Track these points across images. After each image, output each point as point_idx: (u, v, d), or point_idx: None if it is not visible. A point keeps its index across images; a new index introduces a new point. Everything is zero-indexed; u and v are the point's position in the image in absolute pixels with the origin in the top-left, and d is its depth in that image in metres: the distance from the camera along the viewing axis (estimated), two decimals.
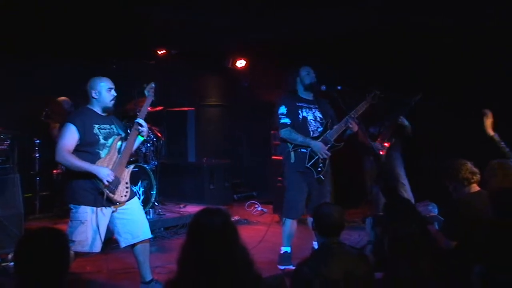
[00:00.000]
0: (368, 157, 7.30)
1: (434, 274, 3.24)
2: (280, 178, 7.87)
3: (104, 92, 4.70)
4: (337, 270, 3.26)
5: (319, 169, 5.61)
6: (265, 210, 8.70)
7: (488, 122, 5.38)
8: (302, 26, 7.57)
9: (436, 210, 6.05)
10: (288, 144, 5.62)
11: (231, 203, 8.90)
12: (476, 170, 4.53)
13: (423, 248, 3.27)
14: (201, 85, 10.21)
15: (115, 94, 4.76)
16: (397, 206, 3.72)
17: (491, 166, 4.62)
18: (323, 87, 5.67)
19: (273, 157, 8.38)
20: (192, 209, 7.78)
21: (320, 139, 5.62)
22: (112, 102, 4.76)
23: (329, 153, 5.59)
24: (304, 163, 5.57)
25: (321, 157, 5.54)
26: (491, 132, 5.30)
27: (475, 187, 4.54)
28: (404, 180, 7.18)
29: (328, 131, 5.65)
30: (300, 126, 5.64)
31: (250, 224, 7.94)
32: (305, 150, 5.58)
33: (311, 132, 5.67)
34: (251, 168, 10.38)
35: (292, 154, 5.59)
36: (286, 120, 5.61)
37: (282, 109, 5.64)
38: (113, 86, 4.76)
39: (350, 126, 5.57)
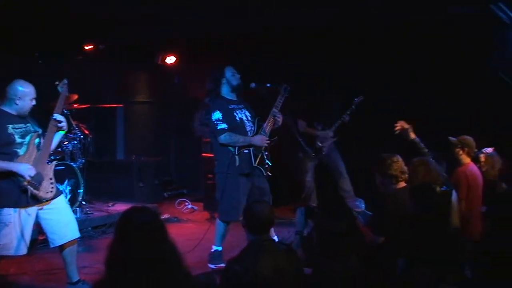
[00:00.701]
0: (299, 153, 7.49)
1: (362, 269, 3.30)
2: (210, 176, 7.83)
3: (27, 101, 4.65)
4: (268, 267, 3.28)
5: (266, 166, 5.66)
6: (195, 207, 8.65)
7: (407, 127, 5.56)
8: (232, 20, 7.52)
9: (363, 205, 6.22)
10: (230, 148, 5.55)
11: (161, 201, 8.81)
12: (406, 169, 4.65)
13: (351, 243, 3.34)
14: (130, 81, 10.01)
15: (34, 104, 4.71)
16: (329, 201, 3.76)
17: (413, 163, 4.78)
18: (253, 85, 5.69)
19: (204, 154, 8.34)
20: (121, 207, 7.66)
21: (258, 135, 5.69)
22: (29, 111, 4.72)
23: (269, 142, 5.64)
24: (250, 164, 5.56)
25: (264, 146, 5.57)
26: (412, 135, 5.49)
27: (402, 184, 4.67)
28: (344, 170, 7.58)
29: (262, 128, 5.67)
30: (239, 128, 5.62)
31: (180, 222, 7.89)
32: (247, 151, 5.57)
33: (248, 133, 5.68)
34: (182, 165, 10.28)
35: (237, 157, 5.54)
36: (224, 126, 5.55)
37: (217, 115, 5.56)
38: (35, 96, 4.70)
39: (278, 119, 5.63)
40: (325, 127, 7.57)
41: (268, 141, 5.64)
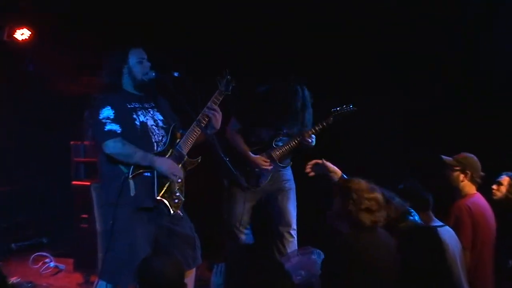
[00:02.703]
0: (223, 179, 7.36)
1: None
2: (85, 216, 7.87)
3: None
4: None
5: (176, 200, 5.63)
6: (61, 266, 8.51)
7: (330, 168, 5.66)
8: None
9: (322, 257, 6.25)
10: (122, 167, 5.54)
11: (6, 257, 8.68)
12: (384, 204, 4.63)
13: None
14: None
15: None
16: (247, 254, 3.80)
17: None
18: (152, 74, 5.73)
19: (74, 182, 8.26)
20: None
21: (169, 153, 5.69)
22: None
23: (182, 174, 5.65)
24: (152, 194, 5.54)
25: (174, 180, 5.55)
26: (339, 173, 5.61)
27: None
28: (292, 222, 7.25)
29: (178, 141, 5.73)
30: (140, 137, 5.63)
31: None
32: (150, 174, 5.55)
33: (155, 145, 5.69)
34: (40, 199, 10.04)
35: (131, 182, 5.50)
36: (114, 127, 5.54)
37: (107, 112, 5.56)
38: None
39: (214, 125, 5.70)
40: (289, 133, 7.26)
41: (181, 173, 5.68)
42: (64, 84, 9.41)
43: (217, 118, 5.69)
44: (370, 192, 4.58)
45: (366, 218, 4.51)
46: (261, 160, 7.05)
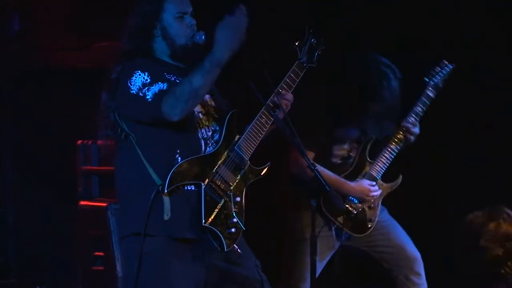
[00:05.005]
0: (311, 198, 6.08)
1: None
2: (99, 254, 6.93)
3: None
4: None
5: (233, 229, 4.90)
6: None
7: None
8: None
9: None
10: (153, 175, 4.74)
11: None
12: None
13: None
14: None
15: None
16: None
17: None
18: (202, 37, 4.92)
19: (83, 202, 7.16)
20: None
21: (222, 158, 5.04)
22: None
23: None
24: (196, 219, 4.71)
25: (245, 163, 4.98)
26: None
27: None
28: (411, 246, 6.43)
29: (237, 138, 5.00)
30: (181, 129, 4.83)
31: None
32: (194, 188, 4.78)
33: (202, 142, 4.91)
34: (31, 226, 8.64)
35: (166, 200, 4.62)
36: (159, 86, 4.75)
37: (139, 78, 4.75)
38: None
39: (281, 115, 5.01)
40: (367, 142, 6.22)
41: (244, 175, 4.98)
42: (67, 53, 8.61)
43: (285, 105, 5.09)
44: None
45: None
46: (367, 187, 6.20)
